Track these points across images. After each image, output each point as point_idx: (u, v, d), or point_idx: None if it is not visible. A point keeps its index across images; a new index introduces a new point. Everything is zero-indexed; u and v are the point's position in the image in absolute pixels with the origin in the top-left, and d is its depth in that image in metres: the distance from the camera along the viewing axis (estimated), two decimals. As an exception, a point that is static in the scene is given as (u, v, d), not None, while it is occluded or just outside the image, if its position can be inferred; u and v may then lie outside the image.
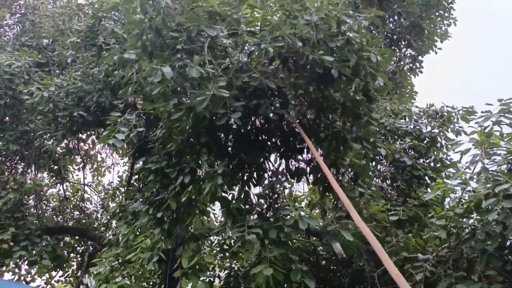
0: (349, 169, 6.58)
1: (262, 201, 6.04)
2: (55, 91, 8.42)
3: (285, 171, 6.46)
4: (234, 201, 5.75)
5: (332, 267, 8.45)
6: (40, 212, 11.40)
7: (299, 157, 6.52)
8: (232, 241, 5.72)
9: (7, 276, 9.54)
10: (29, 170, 11.01)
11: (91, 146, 13.46)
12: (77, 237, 12.73)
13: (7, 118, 10.04)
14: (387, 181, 8.33)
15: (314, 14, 5.18)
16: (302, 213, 5.37)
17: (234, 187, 5.97)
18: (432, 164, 8.32)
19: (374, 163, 7.22)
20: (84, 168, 13.26)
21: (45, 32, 11.22)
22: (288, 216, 5.42)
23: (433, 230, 6.44)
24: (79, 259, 12.69)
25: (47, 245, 9.76)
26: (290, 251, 5.49)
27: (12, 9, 12.03)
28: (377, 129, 7.54)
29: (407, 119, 8.86)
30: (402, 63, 14.01)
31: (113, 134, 5.39)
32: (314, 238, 8.55)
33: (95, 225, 13.08)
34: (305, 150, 6.33)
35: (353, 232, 5.51)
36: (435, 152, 8.43)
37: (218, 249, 9.37)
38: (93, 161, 14.03)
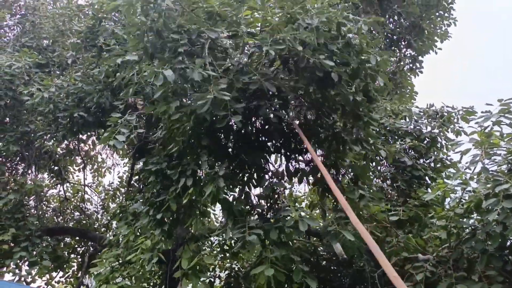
0: (349, 170, 6.58)
1: (263, 202, 6.03)
2: (55, 92, 8.42)
3: (285, 172, 6.45)
4: (235, 202, 5.75)
5: (332, 268, 8.45)
6: (40, 213, 11.40)
7: (300, 157, 6.51)
8: (232, 241, 5.71)
9: (8, 277, 9.55)
10: (29, 171, 11.02)
11: (91, 147, 13.47)
12: (77, 238, 12.74)
13: (8, 119, 10.05)
14: (388, 181, 8.34)
15: (314, 17, 5.19)
16: (303, 214, 5.37)
17: (234, 188, 5.97)
18: (432, 164, 8.32)
19: (374, 163, 7.21)
20: (85, 169, 13.28)
21: (45, 33, 11.23)
22: (289, 217, 5.42)
23: (434, 230, 6.45)
24: (80, 259, 12.70)
25: (48, 245, 9.76)
26: (291, 251, 5.49)
27: (12, 10, 12.03)
28: (377, 129, 7.54)
29: (407, 119, 8.86)
30: (402, 63, 14.02)
31: (114, 135, 5.39)
32: (315, 238, 8.56)
33: (95, 226, 13.09)
34: (305, 150, 6.34)
35: (353, 232, 5.51)
36: (435, 152, 8.43)
37: (218, 249, 9.39)
38: (94, 162, 14.04)
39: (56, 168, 12.24)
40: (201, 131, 5.73)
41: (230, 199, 5.82)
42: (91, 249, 12.32)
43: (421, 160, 8.33)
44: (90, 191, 13.90)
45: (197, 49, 5.28)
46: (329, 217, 6.67)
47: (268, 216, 5.93)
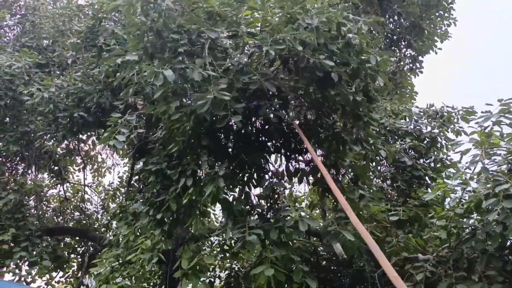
0: (349, 170, 6.57)
1: (263, 202, 6.03)
2: (55, 92, 8.42)
3: (285, 172, 6.45)
4: (235, 202, 5.75)
5: (332, 268, 8.46)
6: (40, 213, 11.40)
7: (300, 157, 6.51)
8: (232, 241, 5.72)
9: (8, 277, 9.55)
10: (29, 171, 11.02)
11: (91, 147, 13.47)
12: (77, 238, 12.74)
13: (8, 119, 10.05)
14: (388, 181, 8.34)
15: (314, 17, 5.19)
16: (303, 214, 5.37)
17: (234, 188, 5.97)
18: (432, 164, 8.32)
19: (374, 163, 7.21)
20: (85, 169, 13.28)
21: (45, 33, 11.23)
22: (289, 217, 5.42)
23: (434, 230, 6.45)
24: (80, 259, 12.71)
25: (48, 245, 9.76)
26: (291, 251, 5.49)
27: (12, 10, 12.03)
28: (377, 129, 7.54)
29: (407, 119, 8.86)
30: (402, 63, 14.02)
31: (114, 135, 5.39)
32: (315, 238, 8.56)
33: (95, 226, 13.09)
34: (305, 150, 6.34)
35: (353, 232, 5.51)
36: (435, 152, 8.44)
37: (218, 249, 9.38)
38: (94, 162, 14.04)
39: (56, 168, 12.24)
40: (201, 131, 5.73)
41: (230, 199, 5.82)
42: (91, 249, 12.32)
43: (421, 160, 8.33)
44: (90, 191, 13.92)
45: (197, 49, 5.28)
46: (329, 217, 6.66)
47: (268, 216, 5.93)
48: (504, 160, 5.32)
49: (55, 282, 12.37)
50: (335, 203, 6.28)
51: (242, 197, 5.91)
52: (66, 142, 11.62)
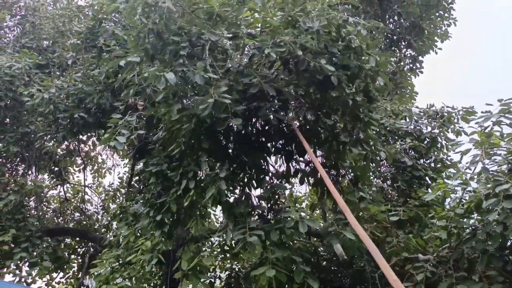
0: (349, 171, 6.57)
1: (263, 203, 6.02)
2: (55, 92, 8.42)
3: (285, 173, 6.45)
4: (236, 204, 5.74)
5: (333, 268, 8.46)
6: (40, 213, 11.40)
7: (300, 158, 6.51)
8: (233, 242, 5.72)
9: (8, 277, 9.56)
10: (29, 172, 11.02)
11: (91, 147, 13.47)
12: (77, 239, 12.75)
13: (8, 119, 10.05)
14: (388, 181, 8.34)
15: (315, 19, 5.20)
16: (303, 215, 5.37)
17: (235, 189, 5.96)
18: (432, 164, 8.32)
19: (374, 164, 7.21)
20: (85, 169, 13.28)
21: (45, 33, 11.23)
22: (289, 218, 5.42)
23: (434, 230, 6.45)
24: (80, 260, 12.71)
25: (48, 246, 9.76)
26: (292, 252, 5.49)
27: (12, 11, 12.04)
28: (378, 130, 7.54)
29: (408, 120, 8.87)
30: (402, 63, 14.02)
31: (114, 137, 5.39)
32: (315, 239, 8.56)
33: (95, 227, 13.10)
34: (306, 151, 6.33)
35: (354, 233, 5.51)
36: (436, 153, 8.43)
37: (219, 250, 9.38)
38: (94, 162, 14.04)
39: (56, 169, 12.25)
40: (201, 132, 5.73)
41: (231, 200, 5.82)
42: (92, 249, 12.32)
43: (422, 160, 8.33)
44: (90, 191, 13.93)
45: (198, 51, 5.29)
46: (330, 217, 6.66)
47: (269, 217, 5.93)
48: (504, 160, 5.33)
49: (56, 283, 12.37)
50: (334, 205, 6.28)
51: (243, 199, 5.90)
52: (66, 143, 11.62)
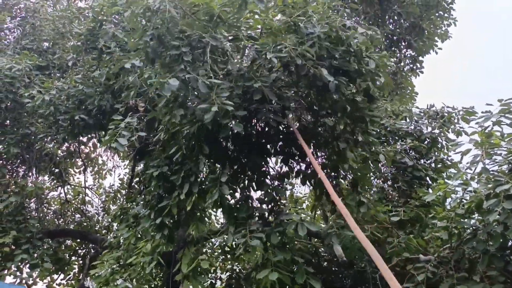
0: (349, 172, 6.57)
1: (264, 206, 6.03)
2: (56, 94, 8.42)
3: (285, 175, 6.45)
4: (237, 206, 5.74)
5: (333, 269, 8.46)
6: (41, 215, 11.41)
7: (300, 159, 6.50)
8: (234, 243, 5.72)
9: (9, 279, 9.55)
10: (30, 173, 11.03)
11: (92, 149, 13.47)
12: (78, 240, 12.75)
13: (8, 121, 10.06)
14: (388, 182, 8.34)
15: (316, 24, 5.21)
16: (303, 218, 5.39)
17: (235, 191, 5.96)
18: (433, 164, 8.32)
19: (373, 165, 7.21)
20: (85, 171, 13.28)
21: (46, 35, 11.24)
22: (290, 220, 5.43)
23: (435, 230, 6.44)
24: (81, 262, 12.71)
25: (49, 248, 9.76)
26: (293, 253, 5.50)
27: (13, 13, 12.05)
28: (378, 130, 7.54)
29: (408, 120, 8.87)
30: (402, 63, 14.02)
31: (115, 138, 5.39)
32: (316, 239, 8.56)
33: (96, 228, 13.09)
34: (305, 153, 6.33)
35: (353, 235, 5.52)
36: (436, 153, 8.43)
37: (219, 251, 9.38)
38: (94, 164, 14.05)
39: (56, 170, 12.25)
40: (202, 134, 5.73)
41: (232, 203, 5.81)
42: (92, 251, 12.32)
43: (422, 161, 8.32)
44: (90, 193, 13.93)
45: (198, 54, 5.30)
46: (330, 218, 6.67)
47: (270, 218, 5.94)
48: (505, 160, 5.32)
49: (56, 284, 12.37)
50: (333, 206, 6.27)
51: (243, 201, 5.90)
52: (66, 144, 11.63)
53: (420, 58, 14.22)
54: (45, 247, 9.56)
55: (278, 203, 6.04)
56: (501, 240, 5.00)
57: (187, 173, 5.78)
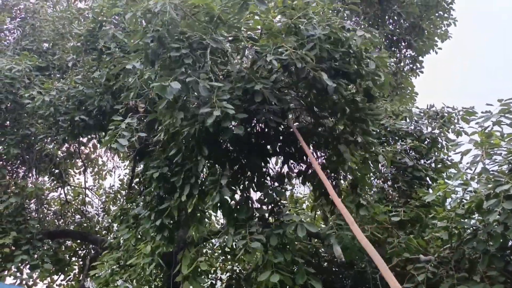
0: (349, 173, 6.57)
1: (264, 207, 6.03)
2: (56, 95, 8.42)
3: (286, 175, 6.45)
4: (237, 207, 5.74)
5: (334, 269, 8.45)
6: (41, 216, 11.41)
7: (300, 160, 6.50)
8: (234, 244, 5.73)
9: (9, 280, 9.55)
10: (30, 174, 11.03)
11: (92, 149, 13.48)
12: (78, 241, 12.75)
13: (8, 122, 10.06)
14: (388, 182, 8.33)
15: (317, 26, 5.21)
16: (303, 219, 5.39)
17: (235, 192, 5.97)
18: (433, 165, 8.31)
19: (373, 165, 7.21)
20: (85, 171, 13.28)
21: (46, 36, 11.24)
22: (290, 221, 5.44)
23: (435, 231, 6.44)
24: (81, 262, 12.70)
25: (49, 249, 9.77)
26: (294, 253, 5.50)
27: (13, 14, 12.05)
28: (378, 130, 7.53)
29: (408, 120, 8.86)
30: (402, 64, 14.02)
31: (115, 139, 5.39)
32: (316, 240, 8.56)
33: (96, 229, 13.09)
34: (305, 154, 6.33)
35: (353, 235, 5.52)
36: (436, 153, 8.43)
37: (219, 251, 9.37)
38: (94, 164, 14.05)
39: (56, 171, 12.25)
40: (201, 134, 5.73)
41: (232, 204, 5.81)
42: (92, 252, 12.32)
43: (422, 161, 8.32)
44: (91, 194, 13.94)
45: (199, 54, 5.30)
46: (330, 218, 6.67)
47: (270, 219, 5.94)
48: (505, 160, 5.32)
49: (57, 285, 12.38)
50: (332, 207, 6.28)
51: (243, 202, 5.89)
52: (66, 145, 11.64)
53: (420, 58, 14.22)
54: (45, 248, 9.56)
55: (279, 203, 6.04)
56: (501, 240, 5.00)
57: (187, 175, 5.78)
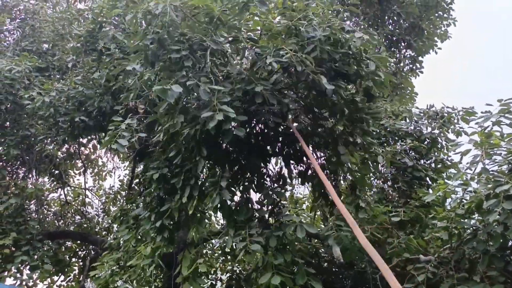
0: (348, 174, 6.57)
1: (264, 208, 6.03)
2: (56, 96, 8.42)
3: (286, 175, 6.45)
4: (237, 209, 5.74)
5: (334, 270, 8.45)
6: (41, 216, 11.39)
7: (300, 160, 6.50)
8: (234, 245, 5.73)
9: (9, 281, 9.55)
10: (30, 175, 11.02)
11: (92, 150, 13.48)
12: (78, 242, 12.74)
13: (8, 123, 10.06)
14: (388, 182, 8.34)
15: (317, 27, 5.22)
16: (303, 220, 5.39)
17: (235, 193, 5.97)
18: (433, 165, 8.32)
19: (373, 166, 7.21)
20: (85, 172, 13.28)
21: (45, 37, 11.24)
22: (289, 222, 5.44)
23: (435, 231, 6.44)
24: (81, 263, 12.70)
25: (49, 249, 9.76)
26: (294, 254, 5.50)
27: (12, 14, 12.05)
28: (378, 130, 7.54)
29: (408, 120, 8.87)
30: (402, 64, 14.03)
31: (115, 139, 5.40)
32: (316, 240, 8.56)
33: (96, 230, 13.09)
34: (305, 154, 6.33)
35: (353, 236, 5.52)
36: (436, 153, 8.43)
37: (220, 252, 9.37)
38: (94, 165, 14.05)
39: (56, 172, 12.25)
40: (201, 135, 5.73)
41: (232, 206, 5.81)
42: (93, 252, 12.32)
43: (422, 161, 8.32)
44: (91, 194, 13.93)
45: (199, 56, 5.30)
46: (330, 219, 6.67)
47: (270, 220, 5.94)
48: (505, 160, 5.32)
49: (57, 286, 12.38)
50: (331, 208, 6.28)
51: (243, 205, 5.90)
52: (66, 146, 11.63)
53: (420, 58, 14.23)
54: (45, 248, 9.56)
55: (279, 204, 6.04)
56: (501, 240, 5.01)
57: (187, 176, 5.78)
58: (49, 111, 8.28)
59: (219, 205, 5.48)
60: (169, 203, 5.99)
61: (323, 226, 8.69)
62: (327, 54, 5.21)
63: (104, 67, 8.21)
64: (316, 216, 9.24)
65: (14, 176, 11.20)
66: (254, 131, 6.12)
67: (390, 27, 13.65)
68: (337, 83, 5.28)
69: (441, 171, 8.20)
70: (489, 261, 5.17)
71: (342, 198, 6.31)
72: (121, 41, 8.15)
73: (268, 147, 6.25)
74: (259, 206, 5.94)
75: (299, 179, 6.55)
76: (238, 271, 9.23)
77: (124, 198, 12.37)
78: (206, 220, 7.99)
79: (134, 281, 7.32)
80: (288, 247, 5.55)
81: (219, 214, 8.78)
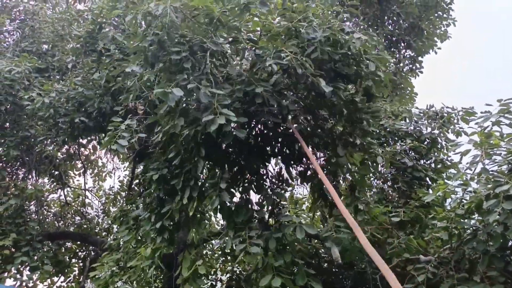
0: (348, 175, 6.57)
1: (264, 209, 6.03)
2: (55, 96, 8.42)
3: (286, 175, 6.45)
4: (236, 210, 5.74)
5: (334, 270, 8.44)
6: (41, 217, 11.39)
7: (299, 161, 6.50)
8: (234, 245, 5.73)
9: (9, 282, 9.54)
10: (30, 176, 11.02)
11: (92, 151, 13.48)
12: (78, 242, 12.74)
13: (8, 124, 10.06)
14: (388, 182, 8.34)
15: (318, 28, 5.23)
16: (302, 221, 5.39)
17: (235, 194, 5.97)
18: (432, 165, 8.32)
19: (372, 166, 7.21)
20: (85, 173, 13.28)
21: (45, 37, 11.24)
22: (290, 222, 5.44)
23: (435, 231, 6.44)
24: (81, 264, 12.70)
25: (49, 250, 9.76)
26: (294, 254, 5.50)
27: (12, 15, 12.05)
28: (377, 131, 7.54)
29: (407, 121, 8.87)
30: (401, 64, 14.03)
31: (115, 140, 5.40)
32: (316, 241, 8.56)
33: (96, 230, 13.09)
34: (305, 154, 6.33)
35: (352, 236, 5.51)
36: (436, 153, 8.43)
37: (219, 252, 9.37)
38: (94, 166, 14.04)
39: (56, 172, 12.25)
40: (201, 136, 5.74)
41: (231, 207, 5.81)
42: (92, 253, 12.31)
43: (422, 161, 8.32)
44: (90, 195, 13.92)
45: (199, 57, 5.30)
46: (330, 219, 6.67)
47: (269, 221, 5.93)
48: (504, 161, 5.32)
49: (57, 287, 12.38)
50: (330, 208, 6.28)
51: (243, 206, 5.89)
52: (66, 146, 11.63)
53: (420, 58, 14.24)
54: (45, 249, 9.56)
55: (279, 205, 6.04)
56: (501, 241, 5.00)
57: (187, 177, 5.78)
58: (49, 112, 8.28)
59: (218, 206, 5.48)
60: (169, 204, 5.98)
61: (322, 227, 8.68)
62: (327, 55, 5.21)
63: (104, 68, 8.20)
64: (315, 216, 9.24)
65: (14, 177, 11.19)
66: (254, 132, 6.12)
67: (389, 27, 13.67)
68: (336, 84, 5.29)
69: (441, 171, 8.20)
70: (489, 261, 5.17)
71: (341, 199, 6.30)
72: (121, 42, 8.15)
73: (268, 148, 6.25)
74: (258, 207, 5.94)
75: (299, 179, 6.56)
76: (238, 272, 9.23)
77: (124, 199, 12.36)
78: (206, 221, 8.00)
79: (134, 282, 7.32)
80: (288, 248, 5.54)
81: (219, 215, 8.81)
